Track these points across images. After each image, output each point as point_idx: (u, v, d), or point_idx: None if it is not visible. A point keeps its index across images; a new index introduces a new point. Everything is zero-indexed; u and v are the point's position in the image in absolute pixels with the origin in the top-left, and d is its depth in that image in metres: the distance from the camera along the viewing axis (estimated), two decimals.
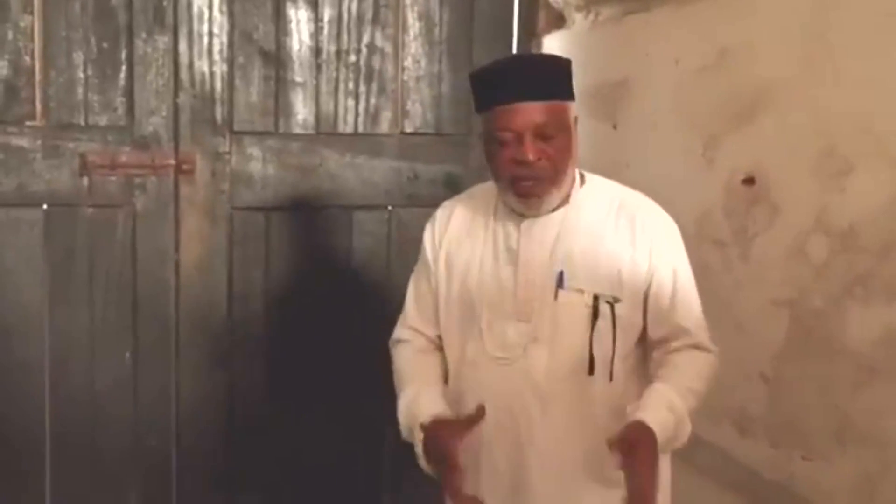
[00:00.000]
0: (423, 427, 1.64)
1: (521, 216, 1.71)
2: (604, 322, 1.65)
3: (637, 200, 1.74)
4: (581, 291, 1.66)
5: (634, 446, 1.49)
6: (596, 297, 1.65)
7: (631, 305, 1.67)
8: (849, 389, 1.84)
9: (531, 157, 1.60)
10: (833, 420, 1.87)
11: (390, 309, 2.75)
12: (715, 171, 2.16)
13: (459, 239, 1.79)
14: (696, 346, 1.69)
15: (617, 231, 1.69)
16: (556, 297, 1.66)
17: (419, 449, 1.66)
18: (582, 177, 1.75)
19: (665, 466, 1.75)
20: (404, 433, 1.74)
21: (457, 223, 1.81)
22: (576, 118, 1.69)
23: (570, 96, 1.68)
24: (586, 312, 1.65)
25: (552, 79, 1.66)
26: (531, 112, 1.60)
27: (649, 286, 1.68)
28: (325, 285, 2.75)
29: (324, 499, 2.80)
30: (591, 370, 1.64)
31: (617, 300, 1.65)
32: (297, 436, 2.74)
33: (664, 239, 1.71)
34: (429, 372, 1.80)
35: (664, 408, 1.58)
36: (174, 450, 2.64)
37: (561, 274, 1.66)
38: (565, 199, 1.70)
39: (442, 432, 1.61)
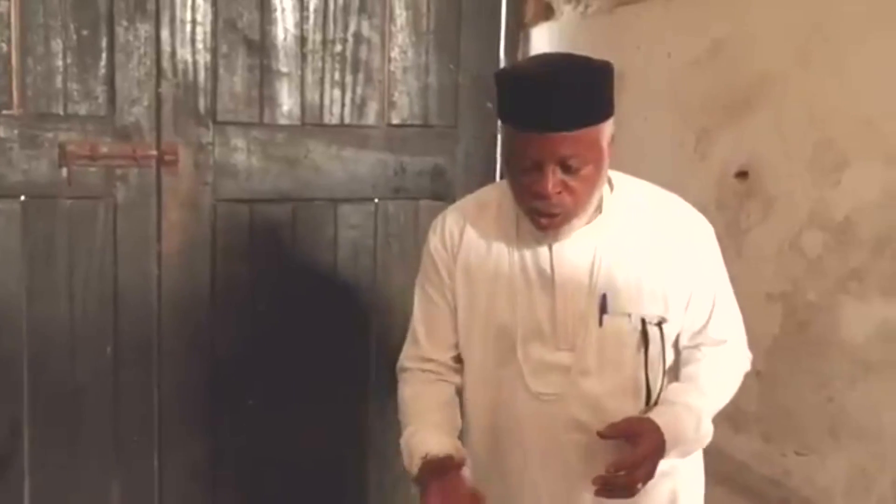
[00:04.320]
0: (428, 459, 1.51)
1: (548, 239, 1.56)
2: (654, 347, 1.53)
3: (672, 206, 1.61)
4: (627, 315, 1.53)
5: (636, 435, 1.44)
6: (643, 320, 1.53)
7: (675, 320, 1.56)
8: (843, 384, 1.84)
9: (550, 190, 1.43)
10: (827, 415, 1.87)
11: (376, 302, 2.75)
12: (708, 165, 2.15)
13: (479, 255, 1.61)
14: (730, 350, 1.65)
15: (656, 243, 1.55)
16: (600, 323, 1.52)
17: (415, 471, 1.52)
18: (611, 184, 1.58)
19: (695, 477, 1.72)
20: (406, 461, 1.59)
21: (473, 236, 1.62)
22: (612, 135, 1.50)
23: (608, 113, 1.48)
24: (636, 337, 1.53)
25: (589, 102, 1.44)
26: (557, 144, 1.41)
27: (689, 298, 1.57)
28: (310, 279, 2.71)
29: (307, 493, 2.77)
30: (648, 400, 1.54)
31: (664, 321, 1.54)
32: (281, 430, 2.70)
33: (704, 249, 1.60)
34: (432, 408, 1.63)
35: (680, 406, 1.54)
36: (156, 445, 2.59)
37: (604, 297, 1.52)
38: (597, 210, 1.54)
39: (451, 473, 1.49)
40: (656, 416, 1.50)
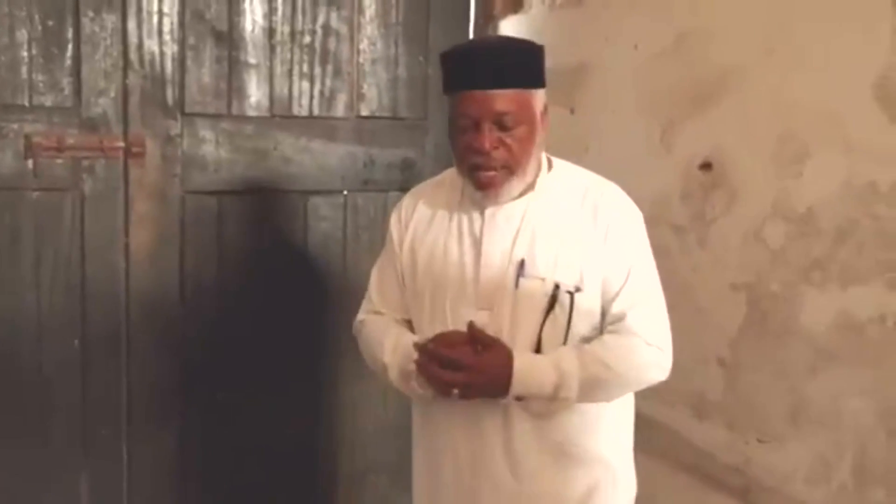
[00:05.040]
0: (418, 345, 1.63)
1: (486, 203, 1.69)
2: (560, 310, 1.63)
3: (602, 188, 1.71)
4: (542, 280, 1.63)
5: (485, 347, 1.57)
6: (556, 286, 1.62)
7: (591, 295, 1.65)
8: (804, 373, 1.86)
9: (487, 146, 1.58)
10: (789, 403, 1.90)
11: (346, 294, 2.74)
12: (673, 156, 2.17)
13: (425, 225, 1.77)
14: (630, 332, 1.64)
15: (580, 220, 1.66)
16: (516, 285, 1.63)
17: (411, 367, 1.64)
18: (550, 162, 1.73)
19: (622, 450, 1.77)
20: (393, 374, 1.72)
21: (423, 209, 1.79)
22: (546, 106, 1.66)
23: (539, 84, 1.66)
24: (545, 301, 1.62)
25: (520, 67, 1.62)
26: (492, 100, 1.57)
27: (603, 274, 1.65)
28: (280, 271, 2.71)
29: (277, 488, 2.77)
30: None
31: (578, 289, 1.63)
32: (250, 424, 2.70)
33: (623, 229, 1.67)
34: (403, 328, 1.79)
35: (549, 360, 1.60)
36: (125, 438, 2.58)
37: (522, 262, 1.64)
38: (530, 186, 1.68)
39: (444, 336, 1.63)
40: (520, 354, 1.60)
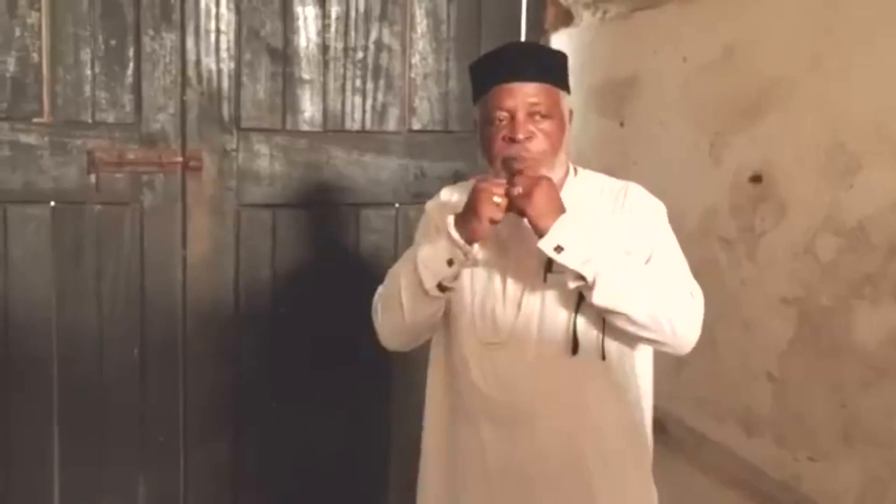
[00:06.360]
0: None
1: None
2: (589, 305, 1.62)
3: (625, 186, 1.76)
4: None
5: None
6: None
7: None
8: (856, 389, 1.83)
9: (522, 134, 1.64)
10: (840, 420, 1.86)
11: None
12: (722, 169, 2.15)
13: None
14: None
15: (606, 216, 1.70)
16: (545, 280, 1.66)
17: (451, 227, 1.61)
18: (575, 170, 1.79)
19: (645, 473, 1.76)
20: (425, 278, 1.64)
21: (451, 210, 1.79)
22: (571, 112, 1.73)
23: (563, 86, 1.73)
24: (575, 295, 1.63)
25: (546, 64, 1.72)
26: (524, 91, 1.65)
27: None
28: (332, 282, 2.75)
29: (329, 495, 2.80)
30: (574, 350, 1.65)
31: None
32: (304, 432, 2.74)
33: (646, 215, 1.71)
34: None
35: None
36: (182, 445, 2.65)
37: (549, 258, 1.63)
38: (557, 188, 1.70)
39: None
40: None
